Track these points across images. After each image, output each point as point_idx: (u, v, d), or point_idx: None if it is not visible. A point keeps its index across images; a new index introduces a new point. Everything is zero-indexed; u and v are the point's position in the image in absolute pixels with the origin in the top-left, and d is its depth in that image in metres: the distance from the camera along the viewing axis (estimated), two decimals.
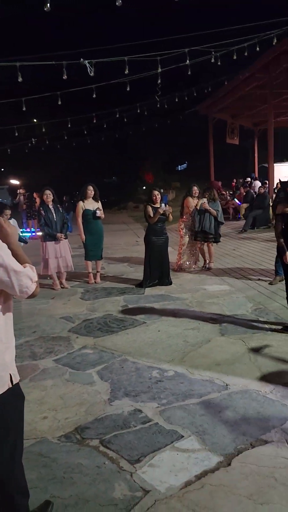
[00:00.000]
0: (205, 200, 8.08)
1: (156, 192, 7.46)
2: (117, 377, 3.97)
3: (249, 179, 23.33)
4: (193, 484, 2.50)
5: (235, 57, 8.36)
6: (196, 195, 8.47)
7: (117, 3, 4.35)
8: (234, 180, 26.18)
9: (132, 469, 2.67)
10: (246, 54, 8.85)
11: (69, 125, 12.39)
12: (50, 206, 7.43)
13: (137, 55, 6.74)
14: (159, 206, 7.36)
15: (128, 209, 31.21)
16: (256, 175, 25.20)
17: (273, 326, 5.06)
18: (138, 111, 12.85)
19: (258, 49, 8.58)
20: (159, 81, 8.55)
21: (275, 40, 8.78)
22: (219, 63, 8.63)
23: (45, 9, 4.34)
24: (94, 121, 12.32)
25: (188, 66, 8.32)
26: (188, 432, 3.02)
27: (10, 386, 2.02)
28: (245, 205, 16.50)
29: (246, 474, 2.56)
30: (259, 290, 6.71)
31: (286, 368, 3.96)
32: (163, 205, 7.40)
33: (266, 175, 25.02)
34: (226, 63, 9.27)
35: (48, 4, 4.24)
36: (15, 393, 2.06)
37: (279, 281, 6.98)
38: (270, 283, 7.01)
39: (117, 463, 2.73)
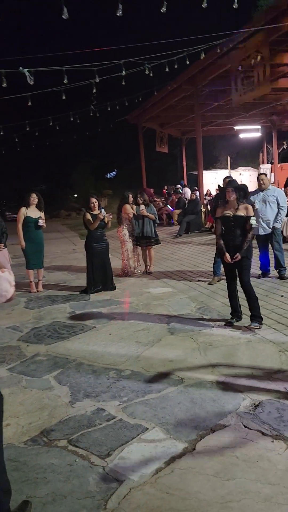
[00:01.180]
0: (143, 207, 8.34)
1: (93, 200, 7.60)
2: (75, 381, 4.04)
3: (179, 186, 24.18)
4: (163, 470, 2.66)
5: (167, 70, 8.77)
6: (131, 202, 8.72)
7: (64, 16, 4.44)
8: (165, 187, 26.94)
9: (103, 463, 2.77)
10: (176, 67, 9.29)
11: (2, 133, 12.16)
12: None
13: (75, 65, 6.87)
14: (98, 212, 7.50)
15: (60, 217, 30.92)
16: (185, 182, 26.16)
17: (217, 323, 5.38)
18: (72, 119, 12.90)
19: (188, 62, 9.06)
20: (94, 91, 8.74)
21: (203, 55, 9.31)
22: (151, 75, 8.96)
23: None
24: (27, 128, 12.21)
25: (122, 76, 8.58)
26: (152, 424, 3.18)
27: None
28: (177, 211, 17.08)
29: (210, 455, 2.77)
30: (200, 291, 7.05)
31: (233, 360, 4.26)
32: (102, 210, 7.55)
33: (194, 182, 26.12)
34: (157, 75, 9.62)
35: None
36: None
37: (217, 281, 7.40)
38: (209, 283, 7.39)
39: (88, 459, 2.82)
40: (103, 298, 7.09)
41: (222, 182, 7.49)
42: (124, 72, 7.51)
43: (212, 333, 5.03)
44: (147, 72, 8.05)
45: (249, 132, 24.11)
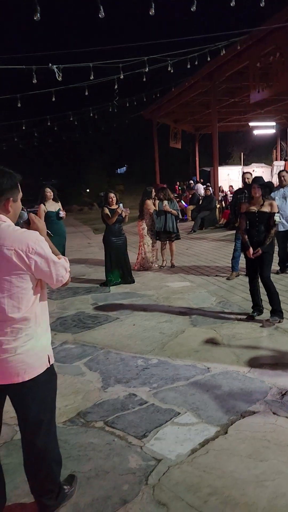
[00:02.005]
0: (166, 202, 8.47)
1: (112, 195, 7.72)
2: (104, 367, 4.20)
3: (192, 181, 24.25)
4: (199, 450, 2.81)
5: (188, 66, 8.87)
6: (154, 197, 8.84)
7: (100, 15, 4.56)
8: (177, 183, 27.01)
9: (140, 443, 2.93)
10: (196, 63, 9.38)
11: (24, 127, 12.33)
12: None
13: (97, 62, 7.00)
14: (115, 207, 7.63)
15: (72, 212, 31.08)
16: (198, 178, 26.21)
17: (239, 316, 5.50)
18: (91, 114, 13.04)
19: (209, 59, 9.15)
20: (116, 87, 8.87)
21: (223, 51, 9.38)
22: (171, 71, 9.07)
23: (35, 18, 4.47)
24: (49, 123, 12.38)
25: (143, 73, 8.71)
26: (184, 409, 3.33)
27: (48, 366, 2.22)
28: (191, 207, 17.19)
29: (243, 439, 2.91)
30: (219, 285, 7.17)
31: (257, 351, 4.39)
32: (121, 205, 7.69)
33: (206, 178, 26.16)
34: (176, 71, 9.69)
35: (38, 14, 4.37)
36: (51, 372, 2.27)
37: (236, 276, 7.52)
38: (228, 278, 7.50)
39: (125, 440, 2.98)
40: (123, 290, 7.24)
41: (241, 178, 7.59)
42: (147, 69, 7.62)
43: (234, 326, 5.16)
44: (169, 68, 8.15)
45: (264, 128, 24.03)
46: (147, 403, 3.45)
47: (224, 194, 18.95)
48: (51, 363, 2.26)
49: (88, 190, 35.04)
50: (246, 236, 5.19)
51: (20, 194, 2.23)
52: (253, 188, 5.06)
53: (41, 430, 2.22)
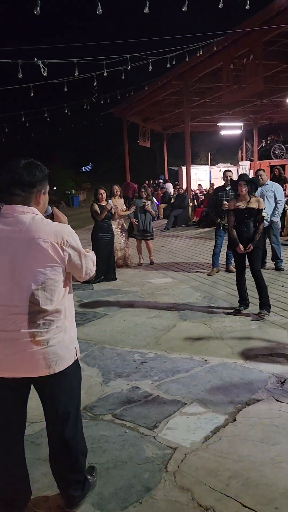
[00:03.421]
0: (148, 202, 8.52)
1: (101, 191, 7.72)
2: (102, 363, 4.21)
3: (161, 180, 24.46)
4: (212, 438, 2.89)
5: (168, 66, 8.96)
6: (118, 194, 8.78)
7: (98, 12, 4.53)
8: (146, 182, 27.15)
9: (152, 433, 2.97)
10: (174, 63, 9.49)
11: None
12: None
13: (85, 58, 6.98)
14: (105, 204, 7.63)
15: None
16: (166, 177, 26.44)
17: (226, 310, 5.63)
18: (66, 111, 12.92)
19: (187, 59, 9.28)
20: (95, 84, 8.85)
21: (201, 51, 9.53)
22: (150, 69, 9.12)
23: (35, 12, 4.38)
24: (23, 119, 12.17)
25: (122, 71, 8.74)
26: (189, 399, 3.39)
27: (76, 358, 2.23)
28: (163, 205, 17.32)
29: (252, 425, 3.00)
30: (200, 281, 7.30)
31: (250, 343, 4.52)
32: (110, 201, 7.69)
33: (174, 177, 26.42)
34: (145, 70, 9.67)
35: (39, 8, 4.27)
36: (77, 364, 2.29)
37: (216, 272, 7.67)
38: (208, 274, 7.63)
39: (137, 431, 3.01)
40: (107, 287, 7.24)
41: (222, 176, 7.75)
42: (129, 67, 7.66)
43: (224, 320, 5.28)
44: (150, 67, 8.22)
45: (231, 129, 24.55)
46: (152, 395, 3.50)
47: (194, 192, 19.20)
48: (77, 356, 2.27)
49: (55, 188, 34.55)
50: (235, 233, 5.33)
51: (48, 187, 2.23)
52: (240, 185, 5.20)
53: (69, 422, 2.23)
